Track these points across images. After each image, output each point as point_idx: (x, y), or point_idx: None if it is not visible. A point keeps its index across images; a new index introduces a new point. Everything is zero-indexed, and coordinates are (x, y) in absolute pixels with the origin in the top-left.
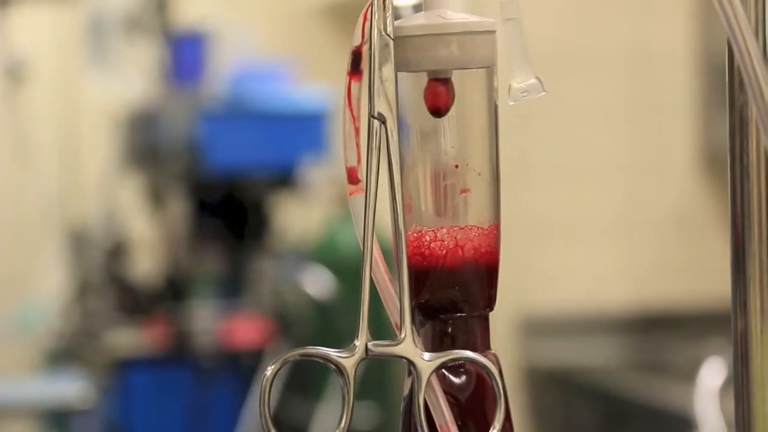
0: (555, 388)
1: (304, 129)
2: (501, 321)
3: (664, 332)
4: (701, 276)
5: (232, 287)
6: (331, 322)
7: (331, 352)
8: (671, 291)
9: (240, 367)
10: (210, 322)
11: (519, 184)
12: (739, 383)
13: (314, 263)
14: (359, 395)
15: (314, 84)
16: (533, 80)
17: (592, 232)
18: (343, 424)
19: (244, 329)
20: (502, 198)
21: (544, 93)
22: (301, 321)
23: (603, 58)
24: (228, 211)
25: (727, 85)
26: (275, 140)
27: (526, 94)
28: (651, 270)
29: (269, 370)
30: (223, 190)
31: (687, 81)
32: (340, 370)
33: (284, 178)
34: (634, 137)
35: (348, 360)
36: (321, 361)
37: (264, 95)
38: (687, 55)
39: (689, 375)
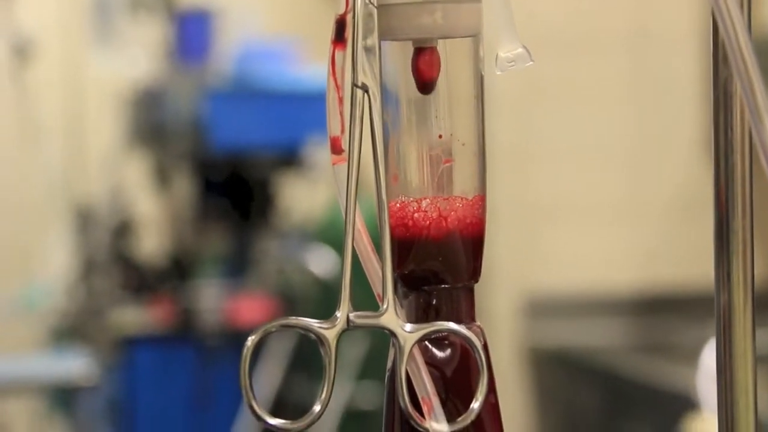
0: (559, 368)
1: (309, 108)
2: (506, 302)
3: (668, 314)
4: (704, 258)
5: (237, 266)
6: (335, 301)
7: (313, 323)
8: (674, 273)
9: (244, 345)
10: (215, 301)
11: (523, 166)
12: (722, 356)
13: (319, 242)
14: (363, 375)
15: (319, 63)
16: (520, 49)
17: (596, 214)
18: (324, 396)
19: (249, 308)
20: (506, 180)
21: (531, 63)
22: (306, 300)
23: (607, 40)
24: (233, 190)
25: (711, 58)
26: (280, 119)
27: (513, 63)
28: (655, 252)
29: (249, 340)
30: (229, 169)
31: (691, 62)
32: (321, 341)
33: (289, 158)
34: (639, 119)
35: (329, 331)
36: (302, 331)
37: (269, 74)
38: (691, 35)
39: (692, 356)
